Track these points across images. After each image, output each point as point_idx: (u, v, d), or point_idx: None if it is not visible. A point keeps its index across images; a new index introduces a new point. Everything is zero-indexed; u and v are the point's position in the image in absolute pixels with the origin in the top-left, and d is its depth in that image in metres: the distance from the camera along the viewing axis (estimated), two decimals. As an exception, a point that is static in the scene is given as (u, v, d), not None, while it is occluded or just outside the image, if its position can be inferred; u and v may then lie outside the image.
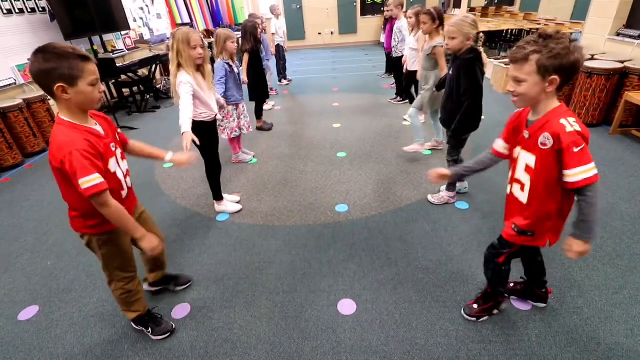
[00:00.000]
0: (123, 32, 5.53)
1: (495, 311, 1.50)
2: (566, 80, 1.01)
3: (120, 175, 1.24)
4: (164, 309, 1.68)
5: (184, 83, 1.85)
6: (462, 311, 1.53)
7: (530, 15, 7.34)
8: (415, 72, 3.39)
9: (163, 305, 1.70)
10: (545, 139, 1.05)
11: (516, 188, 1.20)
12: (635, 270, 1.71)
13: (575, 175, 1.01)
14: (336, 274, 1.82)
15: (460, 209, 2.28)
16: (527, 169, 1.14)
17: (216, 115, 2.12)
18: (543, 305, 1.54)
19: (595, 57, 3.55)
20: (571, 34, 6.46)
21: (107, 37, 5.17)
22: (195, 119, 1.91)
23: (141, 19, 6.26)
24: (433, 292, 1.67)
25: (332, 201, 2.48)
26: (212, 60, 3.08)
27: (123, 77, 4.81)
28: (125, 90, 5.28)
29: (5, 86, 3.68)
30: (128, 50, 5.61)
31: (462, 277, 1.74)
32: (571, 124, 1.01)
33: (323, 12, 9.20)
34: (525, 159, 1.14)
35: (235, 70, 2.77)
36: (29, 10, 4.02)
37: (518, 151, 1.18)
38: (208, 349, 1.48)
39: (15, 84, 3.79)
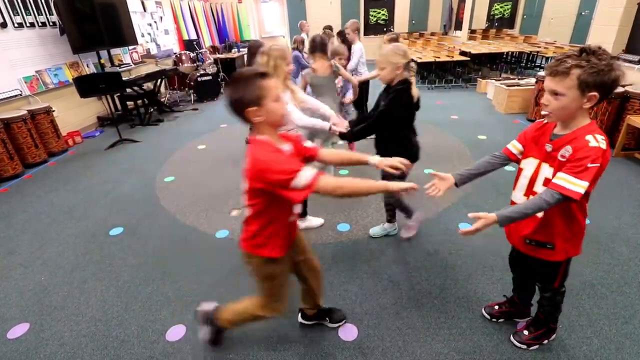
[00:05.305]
0: (130, 47, 5.65)
1: (546, 341, 1.43)
2: (603, 97, 0.98)
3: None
4: (157, 330, 1.62)
5: None
6: (511, 337, 1.46)
7: (530, 38, 7.46)
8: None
9: (157, 327, 1.65)
10: (566, 151, 1.02)
11: None
12: (645, 299, 1.66)
13: (562, 179, 0.99)
14: (337, 297, 1.77)
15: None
16: (546, 182, 1.09)
17: None
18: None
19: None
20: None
21: (115, 51, 5.27)
22: None
23: (149, 34, 6.42)
24: (437, 317, 1.62)
25: (334, 219, 2.45)
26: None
27: (128, 90, 4.86)
28: (130, 103, 5.34)
29: (11, 97, 3.72)
30: (134, 64, 5.71)
31: (467, 302, 1.69)
32: (597, 140, 0.98)
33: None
34: (545, 172, 1.10)
35: None
36: (40, 24, 4.12)
37: (531, 162, 1.15)
38: (203, 374, 1.41)
39: (21, 95, 3.84)
